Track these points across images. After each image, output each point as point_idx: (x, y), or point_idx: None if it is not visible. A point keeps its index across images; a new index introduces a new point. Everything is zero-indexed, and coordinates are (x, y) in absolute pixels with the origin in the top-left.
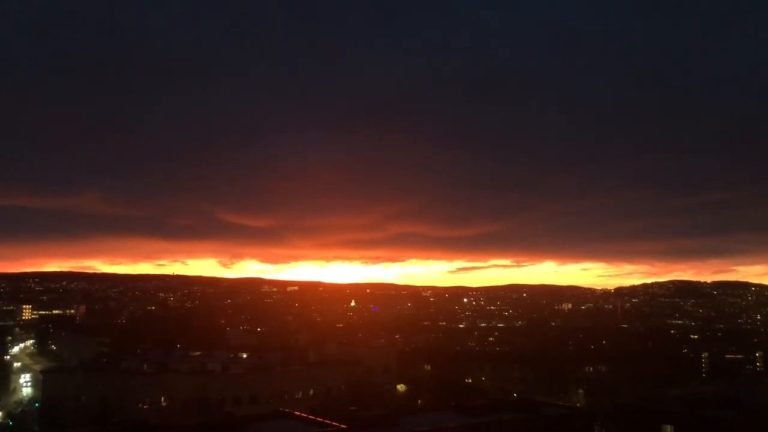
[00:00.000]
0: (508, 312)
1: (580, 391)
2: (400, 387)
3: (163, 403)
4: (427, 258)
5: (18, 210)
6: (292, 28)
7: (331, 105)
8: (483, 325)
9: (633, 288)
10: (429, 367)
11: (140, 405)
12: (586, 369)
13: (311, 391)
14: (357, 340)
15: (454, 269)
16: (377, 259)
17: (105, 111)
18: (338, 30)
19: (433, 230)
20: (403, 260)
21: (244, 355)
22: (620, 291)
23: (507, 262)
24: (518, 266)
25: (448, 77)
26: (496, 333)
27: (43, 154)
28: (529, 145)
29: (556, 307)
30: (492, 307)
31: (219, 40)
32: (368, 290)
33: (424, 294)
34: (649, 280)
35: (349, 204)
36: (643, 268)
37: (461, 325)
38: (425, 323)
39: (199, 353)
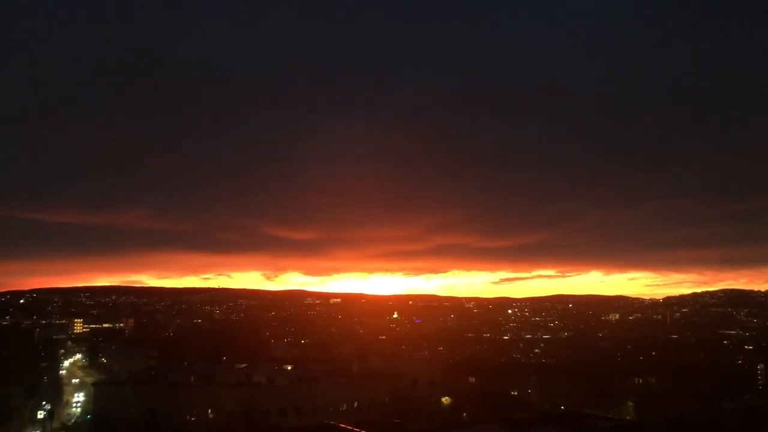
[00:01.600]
0: (553, 323)
1: (630, 403)
2: (445, 400)
3: (210, 415)
4: (470, 269)
5: (70, 227)
6: (330, 45)
7: (372, 118)
8: (528, 336)
9: (682, 297)
10: (474, 380)
11: (188, 417)
12: (636, 381)
13: (355, 404)
14: (400, 352)
15: (497, 280)
16: (419, 271)
17: (151, 130)
18: (374, 44)
19: (475, 241)
20: (446, 271)
21: (289, 367)
22: (669, 301)
23: (552, 272)
24: (563, 276)
25: (487, 88)
26: (542, 344)
27: (93, 173)
28: (573, 154)
29: (602, 318)
30: (537, 319)
31: (260, 59)
32: (410, 302)
33: (467, 305)
34: (699, 290)
35: (390, 216)
36: (692, 277)
37: (506, 337)
38: (469, 335)
39: (244, 365)
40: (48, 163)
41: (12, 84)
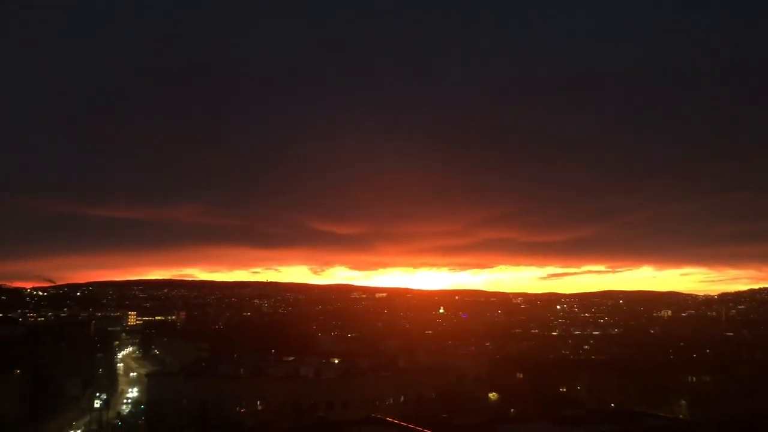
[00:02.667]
0: (603, 319)
1: (683, 402)
2: (492, 395)
3: (259, 407)
4: (517, 264)
5: (124, 222)
6: (378, 41)
7: (419, 112)
8: (577, 332)
9: (738, 294)
10: (522, 376)
11: (237, 408)
12: (689, 379)
13: (402, 398)
14: (447, 347)
15: (545, 275)
16: (465, 266)
17: (200, 126)
18: (419, 37)
19: (522, 235)
20: (492, 266)
21: (336, 361)
22: (724, 297)
23: (601, 267)
24: (613, 272)
25: (537, 80)
26: (592, 341)
27: (147, 170)
28: (625, 147)
29: (654, 314)
30: (586, 314)
31: (310, 54)
32: (457, 297)
33: (514, 301)
34: (756, 286)
35: (436, 210)
36: (749, 272)
37: (554, 333)
38: (516, 330)
39: (292, 358)
40: (104, 160)
41: (73, 85)
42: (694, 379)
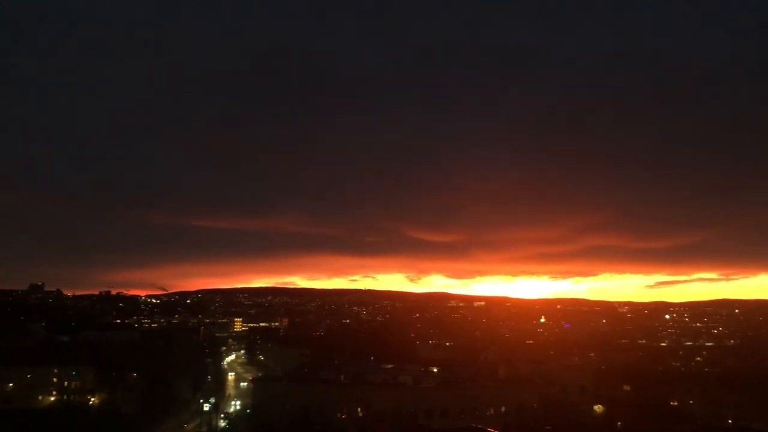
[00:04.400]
0: (717, 330)
1: None
2: (598, 408)
3: (360, 414)
4: (622, 272)
5: (230, 232)
6: (474, 47)
7: (517, 119)
8: (688, 343)
9: None
10: (629, 388)
11: (339, 414)
12: None
13: (502, 408)
14: (548, 357)
15: (652, 283)
16: (567, 274)
17: (299, 139)
18: (516, 43)
19: (628, 242)
20: (596, 274)
21: (435, 369)
22: None
23: (714, 275)
24: (727, 279)
25: (637, 82)
26: (704, 352)
27: (250, 182)
28: (736, 147)
29: None
30: (698, 324)
31: (404, 63)
32: (558, 306)
33: (620, 310)
34: None
35: (535, 217)
36: None
37: (663, 344)
38: (622, 341)
39: (391, 366)
40: (211, 175)
41: (181, 103)
42: None
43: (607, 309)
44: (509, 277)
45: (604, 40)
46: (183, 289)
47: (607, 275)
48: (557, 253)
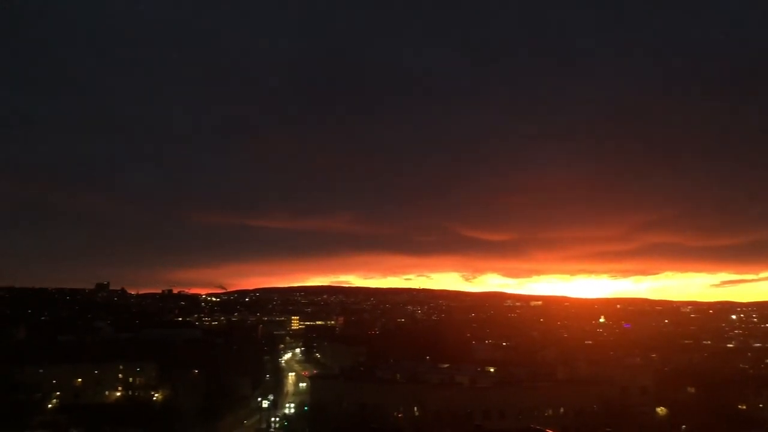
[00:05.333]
0: None
1: None
2: (660, 410)
3: (416, 413)
4: (685, 270)
5: (287, 232)
6: (530, 44)
7: (573, 114)
8: (758, 345)
9: None
10: (693, 390)
11: (395, 413)
12: None
13: (561, 410)
14: (608, 358)
15: (717, 282)
16: (627, 273)
17: (353, 138)
18: (573, 37)
19: (690, 240)
20: (657, 273)
21: (491, 369)
22: None
23: None
24: None
25: (698, 74)
26: None
27: (306, 182)
28: None
29: None
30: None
31: (460, 60)
32: (618, 305)
33: (682, 310)
34: None
35: (593, 214)
36: None
37: (730, 345)
38: (686, 341)
39: (447, 366)
40: (268, 176)
41: (239, 105)
42: None
43: (669, 309)
44: (567, 276)
45: (665, 30)
46: (242, 288)
47: (668, 274)
48: (617, 251)
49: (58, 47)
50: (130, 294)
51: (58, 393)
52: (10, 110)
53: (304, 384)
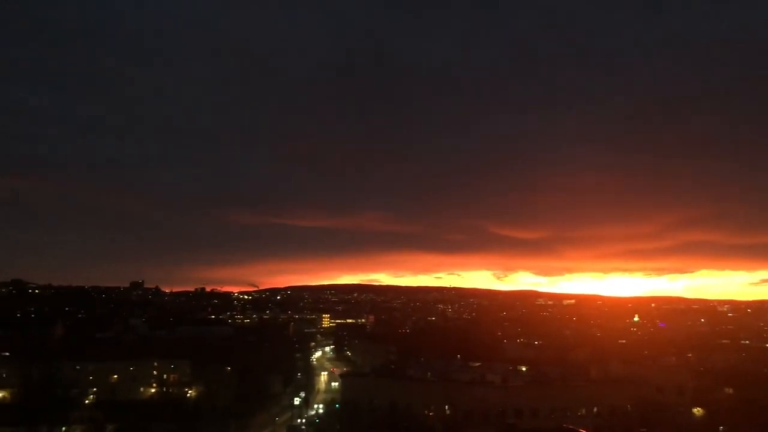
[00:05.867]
0: None
1: None
2: (697, 410)
3: (447, 412)
4: (722, 268)
5: (317, 230)
6: (560, 40)
7: (604, 111)
8: None
9: None
10: (731, 391)
11: (425, 411)
12: None
13: (594, 409)
14: (643, 357)
15: (757, 281)
16: (661, 271)
17: (383, 138)
18: (600, 31)
19: (728, 237)
20: (693, 271)
21: (523, 368)
22: None
23: None
24: None
25: (729, 69)
26: None
27: (336, 181)
28: None
29: None
30: None
31: (491, 58)
32: (652, 304)
33: (719, 308)
34: None
35: (626, 212)
36: None
37: None
38: (723, 341)
39: (478, 364)
40: (298, 175)
41: (272, 105)
42: None
43: (706, 307)
44: (600, 274)
45: (699, 24)
46: (273, 286)
47: (705, 272)
48: (651, 249)
49: (95, 48)
50: (164, 292)
51: (94, 389)
52: (49, 112)
53: (335, 382)
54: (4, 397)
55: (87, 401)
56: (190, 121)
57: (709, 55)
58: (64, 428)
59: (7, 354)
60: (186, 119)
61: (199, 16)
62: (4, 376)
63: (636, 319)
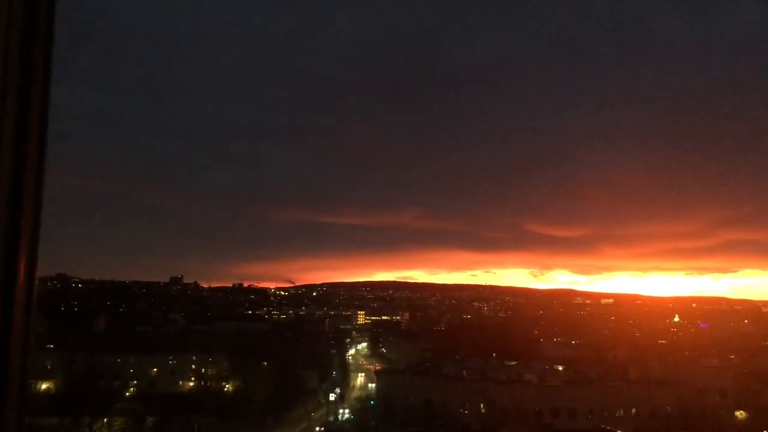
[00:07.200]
0: None
1: None
2: (739, 414)
3: (483, 410)
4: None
5: (353, 227)
6: (601, 35)
7: (647, 105)
8: None
9: None
10: None
11: (461, 409)
12: None
13: (633, 411)
14: (684, 358)
15: None
16: (704, 270)
17: (419, 134)
18: (643, 34)
19: None
20: (737, 271)
21: (560, 368)
22: None
23: None
24: None
25: None
26: None
27: (372, 178)
28: None
29: None
30: None
31: (528, 53)
32: (694, 304)
33: (764, 310)
34: None
35: (668, 210)
36: None
37: None
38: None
39: (515, 363)
40: (335, 171)
41: (308, 103)
42: None
43: (750, 308)
44: (639, 273)
45: (747, 19)
46: (309, 282)
47: (749, 271)
48: (693, 248)
49: (138, 50)
50: (203, 287)
51: (135, 381)
52: (94, 111)
53: (370, 379)
54: (49, 387)
55: (128, 393)
56: (231, 121)
57: (758, 50)
58: (105, 419)
59: (52, 346)
60: (228, 119)
61: (246, 19)
62: (49, 367)
63: (676, 319)
